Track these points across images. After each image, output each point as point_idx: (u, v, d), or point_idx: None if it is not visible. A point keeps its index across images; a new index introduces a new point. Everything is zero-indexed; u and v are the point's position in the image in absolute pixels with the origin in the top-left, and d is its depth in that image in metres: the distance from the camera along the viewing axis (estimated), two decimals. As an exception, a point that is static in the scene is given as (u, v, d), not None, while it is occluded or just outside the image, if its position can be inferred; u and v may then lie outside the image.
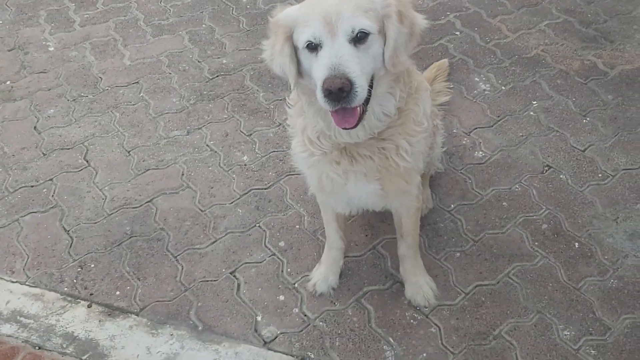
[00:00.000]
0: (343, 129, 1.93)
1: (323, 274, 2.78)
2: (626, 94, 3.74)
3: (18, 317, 2.77)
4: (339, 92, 1.76)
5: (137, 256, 3.01)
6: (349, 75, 1.77)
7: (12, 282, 2.94)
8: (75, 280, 2.91)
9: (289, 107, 2.35)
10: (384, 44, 1.92)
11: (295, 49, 1.97)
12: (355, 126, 1.91)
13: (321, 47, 1.85)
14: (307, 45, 1.88)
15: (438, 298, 2.71)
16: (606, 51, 4.11)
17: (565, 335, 2.55)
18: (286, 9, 2.00)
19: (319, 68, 1.83)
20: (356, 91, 1.78)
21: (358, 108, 1.87)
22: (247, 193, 3.30)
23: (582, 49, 4.15)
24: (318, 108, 2.02)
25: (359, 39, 1.84)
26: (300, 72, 2.00)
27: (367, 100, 1.92)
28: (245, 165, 3.47)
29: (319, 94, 1.82)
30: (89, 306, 2.81)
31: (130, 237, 3.10)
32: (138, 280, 2.90)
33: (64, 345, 2.65)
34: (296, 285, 2.83)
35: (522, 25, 4.42)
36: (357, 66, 1.80)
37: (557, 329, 2.57)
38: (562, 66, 4.01)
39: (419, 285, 2.71)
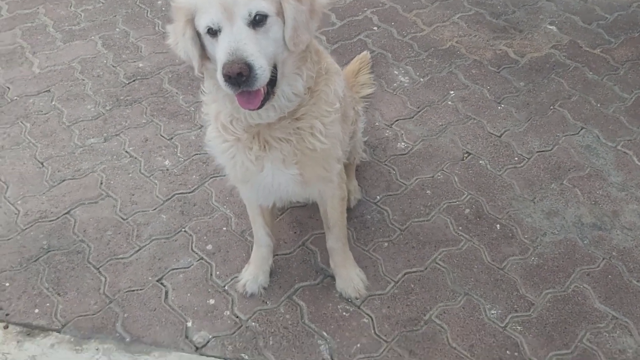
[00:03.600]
0: (248, 109, 1.92)
1: (253, 274, 2.74)
2: (536, 80, 3.91)
3: None
4: (238, 77, 1.76)
5: (56, 271, 2.86)
6: (247, 60, 1.76)
7: None
8: (-12, 302, 2.74)
9: (203, 94, 2.29)
10: (284, 26, 1.91)
11: (198, 34, 1.94)
12: (260, 107, 1.91)
13: (220, 32, 1.83)
14: (208, 30, 1.86)
15: (368, 289, 2.73)
16: (516, 40, 4.28)
17: (492, 314, 2.62)
18: None
19: (219, 53, 1.82)
20: (256, 74, 1.78)
21: (261, 89, 1.86)
22: (170, 198, 3.21)
23: (493, 39, 4.31)
24: (228, 94, 1.99)
25: (257, 22, 1.83)
26: (207, 56, 1.97)
27: (273, 82, 1.92)
28: (167, 170, 3.37)
29: (220, 79, 1.80)
30: (5, 327, 2.64)
31: (47, 252, 2.94)
32: (58, 295, 2.75)
33: (-21, 371, 2.48)
34: (226, 287, 2.77)
35: (437, 19, 4.54)
36: (256, 48, 1.80)
37: (485, 308, 2.64)
38: (475, 56, 4.14)
39: (350, 278, 2.72)
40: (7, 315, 2.69)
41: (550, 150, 3.41)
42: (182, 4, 1.93)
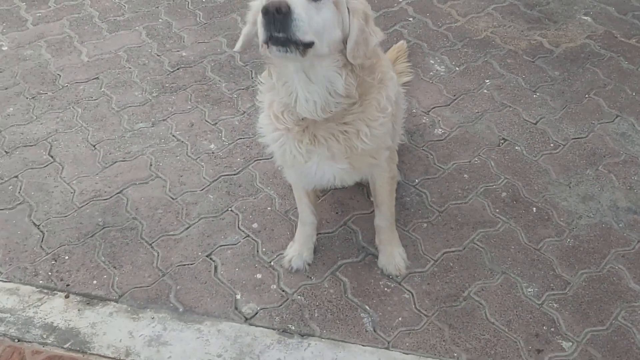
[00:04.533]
0: (271, 41, 1.84)
1: (297, 250, 2.86)
2: (571, 70, 3.97)
3: (-6, 313, 2.76)
4: (276, 14, 1.74)
5: (111, 246, 3.02)
6: (289, 1, 1.76)
7: (-16, 279, 2.91)
8: (50, 273, 2.91)
9: (259, 84, 2.43)
10: (337, 22, 1.99)
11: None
12: (283, 43, 1.84)
13: None
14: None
15: (409, 268, 2.83)
16: (550, 31, 4.34)
17: (529, 292, 2.72)
18: None
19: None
20: (294, 17, 1.76)
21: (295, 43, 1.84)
22: (217, 179, 3.36)
23: (528, 29, 4.37)
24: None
25: None
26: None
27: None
28: (213, 153, 3.52)
29: (259, 21, 1.84)
30: (67, 297, 2.81)
31: (103, 228, 3.11)
32: (114, 268, 2.92)
33: (44, 336, 2.65)
34: (272, 263, 2.91)
35: (471, 10, 4.61)
36: (302, 6, 1.81)
37: (522, 286, 2.74)
38: (510, 46, 4.21)
39: (393, 256, 2.82)
40: (67, 285, 2.86)
41: (585, 137, 3.48)
42: (253, 4, 2.11)
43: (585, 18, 4.45)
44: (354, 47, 2.02)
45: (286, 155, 2.38)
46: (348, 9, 2.04)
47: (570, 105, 3.69)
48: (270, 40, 1.83)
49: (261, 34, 1.85)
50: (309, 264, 2.87)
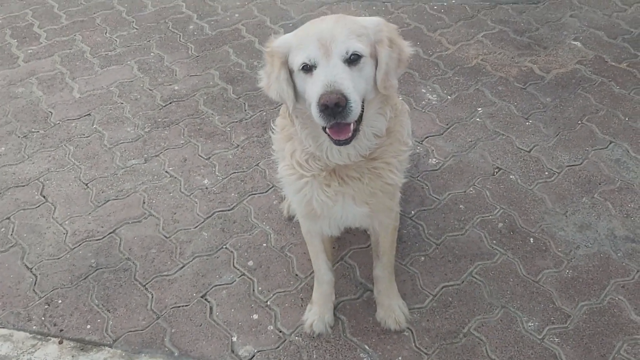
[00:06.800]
0: (338, 141, 1.96)
1: (318, 314, 2.73)
2: (563, 96, 3.99)
3: (-15, 361, 2.70)
4: (335, 107, 1.83)
5: (105, 288, 2.98)
6: (344, 92, 1.84)
7: (-24, 325, 2.86)
8: (43, 318, 2.86)
9: (273, 133, 2.41)
10: (375, 68, 2.00)
11: (290, 74, 2.04)
12: (350, 141, 1.97)
13: (316, 67, 1.92)
14: (303, 67, 1.95)
15: (409, 321, 2.74)
16: (541, 57, 4.37)
17: (530, 326, 2.68)
18: (280, 37, 2.09)
19: (314, 86, 1.89)
20: (351, 106, 1.84)
21: (351, 124, 1.94)
22: (211, 216, 3.33)
23: (518, 56, 4.39)
24: (311, 130, 2.10)
25: (352, 60, 1.92)
26: (295, 96, 2.06)
27: (359, 119, 1.99)
28: (206, 188, 3.50)
29: (315, 111, 1.88)
30: (60, 342, 2.76)
31: (96, 270, 3.07)
32: (108, 312, 2.87)
33: (37, 385, 2.60)
34: (269, 302, 2.87)
35: (461, 38, 4.64)
36: (351, 84, 1.88)
37: (522, 321, 2.70)
38: (501, 73, 4.23)
39: (392, 309, 2.73)
40: (61, 330, 2.81)
41: (580, 164, 3.48)
42: (277, 47, 2.05)
43: (575, 43, 4.48)
44: (384, 77, 2.00)
45: (314, 203, 2.32)
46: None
47: (563, 132, 3.70)
48: (332, 128, 1.94)
49: (319, 121, 1.90)
50: (331, 327, 2.74)
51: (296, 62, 1.98)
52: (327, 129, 1.96)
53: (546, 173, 3.43)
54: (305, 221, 2.55)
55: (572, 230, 3.10)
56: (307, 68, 1.95)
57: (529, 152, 3.58)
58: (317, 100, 1.85)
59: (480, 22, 4.80)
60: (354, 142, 2.01)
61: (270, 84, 2.10)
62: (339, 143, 1.97)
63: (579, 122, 3.77)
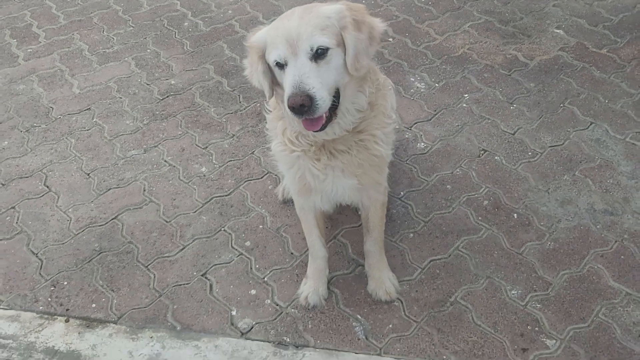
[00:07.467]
0: (312, 131, 2.15)
1: (313, 287, 2.86)
2: (546, 81, 4.14)
3: (-4, 340, 2.84)
4: (301, 108, 1.98)
5: (108, 270, 3.12)
6: (309, 92, 1.97)
7: (-14, 307, 2.99)
8: (49, 299, 2.99)
9: (267, 113, 2.56)
10: (344, 54, 2.11)
11: (269, 66, 2.20)
12: (321, 130, 2.13)
13: (287, 65, 2.07)
14: (276, 64, 2.11)
15: (399, 292, 2.87)
16: (525, 45, 4.52)
17: (513, 294, 2.83)
18: (257, 33, 2.23)
19: (285, 84, 2.06)
20: (317, 104, 1.99)
21: (323, 115, 2.08)
22: (209, 201, 3.46)
23: (503, 44, 4.55)
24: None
25: (319, 55, 2.04)
26: (277, 82, 2.22)
27: (334, 107, 2.14)
28: (204, 176, 3.64)
29: (286, 109, 2.04)
30: (67, 321, 2.90)
31: (99, 253, 3.21)
32: (112, 291, 3.01)
33: (46, 360, 2.74)
34: (266, 279, 3.01)
35: (448, 28, 4.80)
36: (317, 81, 2.01)
37: (506, 289, 2.85)
38: (487, 61, 4.38)
39: (382, 281, 2.86)
40: (67, 310, 2.94)
41: (561, 144, 3.63)
42: (254, 43, 2.21)
43: (558, 31, 4.63)
44: (354, 60, 2.10)
45: (305, 177, 2.46)
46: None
47: (546, 115, 3.85)
48: (304, 122, 2.11)
49: (292, 118, 2.14)
50: (325, 299, 2.88)
51: (270, 59, 2.14)
52: (302, 122, 2.12)
53: (529, 153, 3.58)
54: (299, 197, 2.68)
55: (554, 206, 3.25)
56: (280, 65, 2.10)
57: (514, 134, 3.73)
58: (286, 101, 2.01)
59: (466, 13, 4.95)
60: (333, 124, 2.18)
61: (252, 73, 2.27)
62: (313, 131, 2.13)
63: (561, 105, 3.92)
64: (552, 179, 3.41)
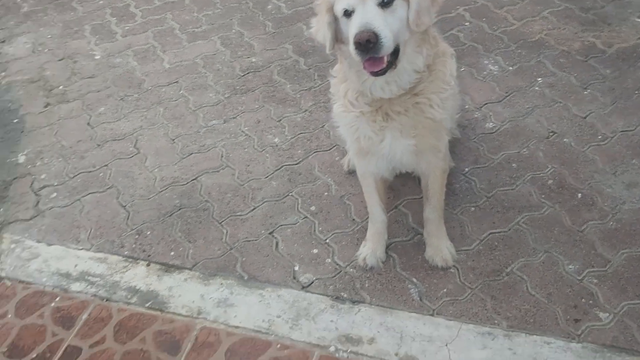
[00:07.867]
0: (373, 73, 2.22)
1: (371, 249, 3.00)
2: (622, 68, 4.06)
3: (86, 277, 3.18)
4: (366, 44, 2.09)
5: (187, 224, 3.40)
6: (375, 29, 2.09)
7: (79, 249, 3.35)
8: (134, 245, 3.32)
9: (332, 78, 2.72)
10: (409, 9, 2.25)
11: (336, 20, 2.35)
12: (382, 73, 2.24)
13: (354, 12, 2.21)
14: (344, 13, 2.25)
15: (456, 261, 2.97)
16: (604, 32, 4.44)
17: (570, 268, 2.86)
18: None
19: (352, 28, 2.18)
20: (382, 41, 2.10)
21: (384, 57, 2.19)
22: (279, 169, 3.69)
23: (582, 31, 4.49)
24: (356, 69, 2.38)
25: (386, 3, 2.18)
26: (342, 40, 2.37)
27: (395, 55, 2.25)
28: (276, 145, 3.86)
29: (352, 48, 2.16)
30: (148, 265, 3.20)
31: (179, 209, 3.50)
32: (189, 242, 3.29)
33: (128, 297, 3.04)
34: (327, 240, 3.19)
35: (527, 14, 4.78)
36: (383, 22, 2.13)
37: (563, 264, 2.88)
38: (564, 47, 4.35)
39: (440, 249, 2.96)
40: (149, 256, 3.25)
41: (633, 130, 3.57)
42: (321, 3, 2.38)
43: (639, 20, 4.52)
44: (416, 16, 2.23)
45: (361, 138, 2.60)
46: None
47: (620, 101, 3.79)
48: (367, 62, 2.19)
49: (356, 57, 2.18)
50: (382, 262, 3.02)
51: (338, 9, 2.28)
52: (364, 63, 2.22)
53: (599, 137, 3.56)
54: (358, 160, 2.82)
55: (620, 188, 3.23)
56: (348, 13, 2.24)
57: (585, 118, 3.71)
58: (352, 39, 2.14)
59: (546, 0, 4.90)
60: (391, 74, 2.28)
61: (318, 29, 2.43)
62: (374, 74, 2.23)
63: (637, 92, 3.85)
64: (620, 162, 3.38)
